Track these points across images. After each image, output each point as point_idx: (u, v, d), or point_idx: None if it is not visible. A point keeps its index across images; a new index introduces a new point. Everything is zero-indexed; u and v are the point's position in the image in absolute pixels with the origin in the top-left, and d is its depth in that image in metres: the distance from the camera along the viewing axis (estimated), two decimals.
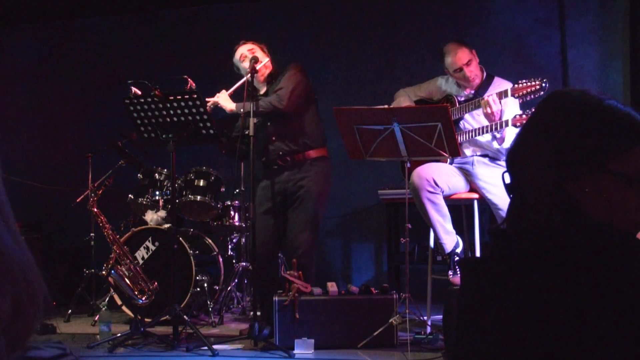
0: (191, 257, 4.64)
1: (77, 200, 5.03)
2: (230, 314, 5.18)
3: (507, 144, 3.98)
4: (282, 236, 4.36)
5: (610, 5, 5.68)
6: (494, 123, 3.92)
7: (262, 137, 4.26)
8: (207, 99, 4.19)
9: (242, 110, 4.14)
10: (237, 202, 5.14)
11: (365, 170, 5.93)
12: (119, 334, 4.13)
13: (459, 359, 1.25)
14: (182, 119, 4.13)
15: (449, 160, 4.17)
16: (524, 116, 3.83)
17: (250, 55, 4.25)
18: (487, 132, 4.01)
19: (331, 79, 6.16)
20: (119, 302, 4.66)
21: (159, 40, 6.59)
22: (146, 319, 4.18)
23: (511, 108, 3.99)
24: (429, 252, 4.45)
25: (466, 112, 4.16)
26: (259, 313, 4.02)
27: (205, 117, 4.11)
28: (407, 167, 3.95)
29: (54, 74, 6.79)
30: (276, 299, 3.95)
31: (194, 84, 4.32)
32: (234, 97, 4.30)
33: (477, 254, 4.18)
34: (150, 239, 4.76)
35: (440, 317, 3.96)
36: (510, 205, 1.22)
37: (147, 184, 5.02)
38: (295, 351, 3.83)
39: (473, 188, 4.18)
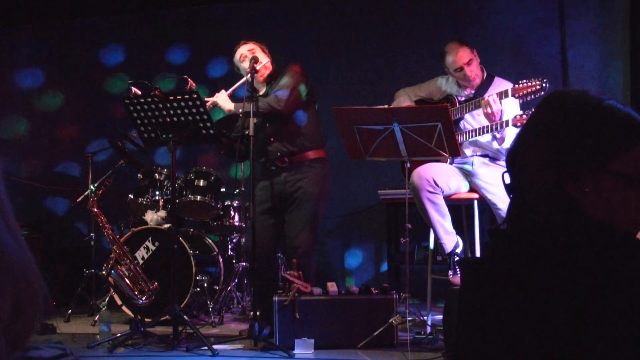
0: (191, 257, 4.64)
1: (77, 200, 5.03)
2: (230, 314, 5.18)
3: (507, 144, 3.98)
4: (281, 236, 4.37)
5: (610, 5, 5.68)
6: (494, 123, 3.92)
7: (260, 138, 4.26)
8: (206, 99, 4.19)
9: (240, 110, 4.14)
10: (237, 202, 5.15)
11: (365, 170, 5.92)
12: (119, 334, 4.14)
13: (459, 359, 1.25)
14: (182, 119, 4.13)
15: (449, 160, 4.17)
16: (524, 116, 3.83)
17: (251, 56, 4.25)
18: (487, 132, 4.01)
19: (331, 79, 6.16)
20: (119, 302, 4.66)
21: (159, 40, 6.59)
22: (146, 319, 4.18)
23: (511, 108, 3.99)
24: (429, 252, 4.45)
25: (466, 112, 4.16)
26: (258, 313, 4.02)
27: (205, 117, 4.11)
28: (407, 167, 3.95)
29: (54, 74, 6.79)
30: (276, 299, 3.95)
31: (194, 84, 4.32)
32: (233, 97, 4.31)
33: (477, 254, 4.18)
34: (150, 239, 4.76)
35: (440, 317, 3.96)
36: (510, 205, 1.22)
37: (147, 184, 5.02)
38: (295, 351, 3.83)
39: (473, 188, 4.18)
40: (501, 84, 4.12)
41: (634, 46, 5.50)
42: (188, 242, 4.76)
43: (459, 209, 4.51)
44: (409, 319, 3.88)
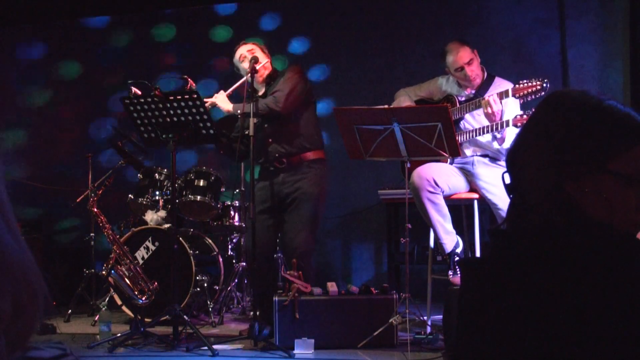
0: (191, 257, 4.64)
1: (77, 200, 5.03)
2: (230, 314, 5.18)
3: (508, 144, 3.98)
4: (281, 236, 4.37)
5: (610, 5, 5.68)
6: (494, 123, 3.92)
7: (259, 139, 4.26)
8: (205, 100, 4.18)
9: (238, 111, 4.14)
10: (237, 202, 5.15)
11: (365, 170, 5.92)
12: (119, 334, 4.13)
13: (459, 359, 1.25)
14: (182, 119, 4.13)
15: (449, 160, 4.17)
16: (524, 116, 3.82)
17: (250, 56, 4.24)
18: (487, 132, 4.01)
19: (331, 79, 6.16)
20: (119, 302, 4.66)
21: (159, 40, 6.59)
22: (146, 319, 4.18)
23: (512, 108, 3.99)
24: (429, 252, 4.45)
25: (467, 112, 4.15)
26: (258, 313, 4.02)
27: (205, 117, 4.11)
28: (407, 167, 3.95)
29: (54, 74, 6.80)
30: (276, 299, 3.95)
31: (194, 84, 4.32)
32: (232, 97, 4.30)
33: (477, 254, 4.18)
34: (150, 239, 4.76)
35: (440, 317, 3.96)
36: (510, 205, 1.22)
37: (147, 184, 5.02)
38: (295, 351, 3.83)
39: (473, 188, 4.18)
40: (502, 84, 4.12)
41: (634, 46, 5.50)
42: (188, 242, 4.76)
43: (459, 209, 4.51)
44: (409, 318, 3.88)
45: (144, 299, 4.32)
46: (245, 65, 4.25)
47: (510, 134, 3.93)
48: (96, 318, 4.67)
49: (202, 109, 4.09)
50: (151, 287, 4.36)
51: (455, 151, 3.80)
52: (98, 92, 6.63)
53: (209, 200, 4.87)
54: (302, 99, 4.22)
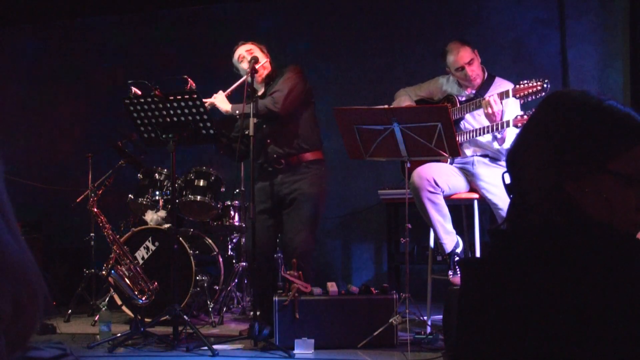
0: (191, 257, 4.64)
1: (77, 200, 5.03)
2: (230, 314, 5.18)
3: (508, 144, 3.98)
4: (280, 237, 4.37)
5: (610, 5, 5.68)
6: (494, 123, 3.92)
7: (258, 139, 4.26)
8: (203, 100, 4.18)
9: (237, 112, 4.14)
10: (237, 202, 5.15)
11: (365, 170, 5.92)
12: (119, 334, 4.14)
13: (459, 359, 1.25)
14: (182, 119, 4.13)
15: (449, 160, 4.17)
16: (524, 117, 3.82)
17: (249, 56, 4.24)
18: (487, 132, 4.01)
19: (331, 79, 6.16)
20: (119, 302, 4.66)
21: (159, 40, 6.59)
22: (146, 319, 4.18)
23: (512, 108, 3.99)
24: (429, 252, 4.45)
25: (467, 112, 4.15)
26: (258, 313, 4.02)
27: (205, 117, 4.11)
28: (407, 167, 3.95)
29: (54, 74, 6.80)
30: (276, 299, 3.95)
31: (194, 84, 4.32)
32: (231, 97, 4.30)
33: (477, 254, 4.18)
34: (150, 239, 4.76)
35: (440, 317, 3.96)
36: (510, 205, 1.22)
37: (147, 184, 5.02)
38: (295, 351, 3.83)
39: (473, 188, 4.18)
40: (502, 84, 4.12)
41: (634, 46, 5.50)
42: (188, 242, 4.76)
43: (459, 209, 4.51)
44: (409, 318, 3.88)
45: (144, 299, 4.32)
46: (244, 65, 4.25)
47: (511, 134, 3.93)
48: (96, 318, 4.67)
49: (202, 109, 4.09)
50: (151, 287, 4.36)
51: (455, 151, 3.80)
52: (98, 92, 6.63)
53: (209, 200, 4.87)
54: (301, 100, 4.21)
